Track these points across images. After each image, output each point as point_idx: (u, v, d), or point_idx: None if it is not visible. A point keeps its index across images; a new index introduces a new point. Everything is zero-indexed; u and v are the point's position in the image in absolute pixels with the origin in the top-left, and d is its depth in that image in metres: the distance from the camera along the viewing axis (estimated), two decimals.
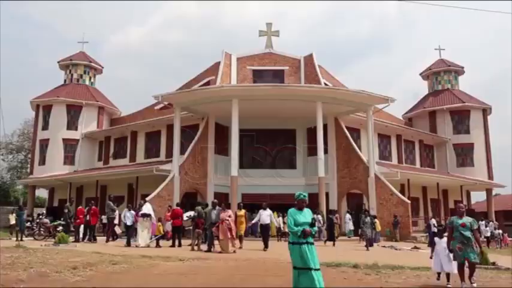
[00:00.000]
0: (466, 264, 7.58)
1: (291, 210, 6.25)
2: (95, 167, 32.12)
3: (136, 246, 15.27)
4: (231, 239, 13.52)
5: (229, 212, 14.41)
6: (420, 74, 38.56)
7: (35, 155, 33.31)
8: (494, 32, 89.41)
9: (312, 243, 6.06)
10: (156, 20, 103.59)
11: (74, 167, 31.98)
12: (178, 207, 17.01)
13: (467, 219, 7.69)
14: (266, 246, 14.67)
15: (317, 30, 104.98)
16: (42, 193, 41.76)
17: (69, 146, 32.32)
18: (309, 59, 30.51)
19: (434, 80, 37.23)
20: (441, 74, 36.88)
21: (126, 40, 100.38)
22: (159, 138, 29.34)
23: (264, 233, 15.46)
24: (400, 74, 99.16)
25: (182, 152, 24.16)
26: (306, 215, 6.22)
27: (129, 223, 16.65)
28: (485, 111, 35.03)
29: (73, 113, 32.86)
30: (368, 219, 17.24)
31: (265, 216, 15.42)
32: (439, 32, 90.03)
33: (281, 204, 24.51)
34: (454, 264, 7.76)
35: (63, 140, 32.29)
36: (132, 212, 17.05)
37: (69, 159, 32.17)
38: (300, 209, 6.25)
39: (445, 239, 7.96)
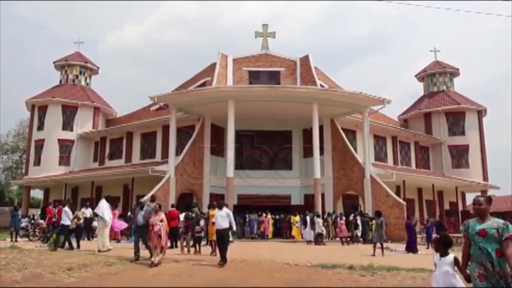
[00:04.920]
0: None
1: None
2: (90, 168, 32.00)
3: (99, 251, 13.43)
4: (158, 248, 10.70)
5: (162, 215, 11.35)
6: (416, 76, 38.72)
7: (30, 156, 33.17)
8: (491, 34, 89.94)
9: None
10: (152, 20, 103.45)
11: (69, 168, 31.87)
12: (174, 208, 16.95)
13: (490, 224, 4.41)
14: (222, 259, 10.66)
15: (314, 32, 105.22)
16: (37, 194, 41.61)
17: (65, 147, 32.19)
18: (305, 60, 30.59)
19: (429, 82, 37.36)
20: (436, 75, 37.02)
21: (123, 40, 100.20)
22: (154, 139, 29.30)
23: (218, 240, 11.24)
24: (396, 76, 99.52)
25: (178, 153, 24.15)
26: None
27: (66, 222, 14.29)
28: (481, 112, 35.17)
29: (68, 114, 32.75)
30: (380, 220, 15.10)
31: (221, 217, 11.13)
32: (435, 34, 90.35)
33: (277, 205, 24.68)
34: None
35: (59, 140, 32.16)
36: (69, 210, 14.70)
37: (64, 159, 32.05)
38: None
39: (449, 257, 4.72)
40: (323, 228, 19.52)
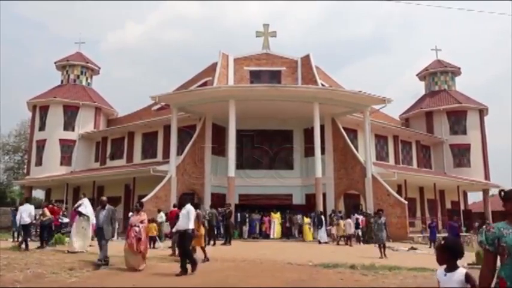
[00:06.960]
0: None
1: None
2: (91, 168, 32.03)
3: (68, 252, 12.56)
4: (139, 252, 9.60)
5: (143, 215, 10.17)
6: (417, 75, 38.65)
7: (32, 156, 33.22)
8: (492, 34, 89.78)
9: None
10: (153, 20, 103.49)
11: (70, 168, 31.90)
12: (176, 208, 16.95)
13: None
14: (182, 267, 9.05)
15: (314, 31, 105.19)
16: (38, 194, 41.65)
17: (66, 147, 32.23)
18: (306, 59, 30.56)
19: (431, 81, 37.29)
20: (438, 74, 36.94)
21: (124, 40, 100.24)
22: (156, 139, 29.31)
23: (181, 245, 9.49)
24: (397, 75, 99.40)
25: (179, 153, 24.15)
26: None
27: (24, 221, 13.51)
28: (482, 111, 35.10)
29: (70, 114, 32.79)
30: (382, 220, 14.46)
31: (182, 217, 9.53)
32: (436, 33, 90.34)
33: (278, 205, 24.65)
34: None
35: (60, 140, 32.19)
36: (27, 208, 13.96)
37: (65, 159, 32.08)
38: None
39: (459, 273, 3.23)
40: (353, 230, 19.26)
